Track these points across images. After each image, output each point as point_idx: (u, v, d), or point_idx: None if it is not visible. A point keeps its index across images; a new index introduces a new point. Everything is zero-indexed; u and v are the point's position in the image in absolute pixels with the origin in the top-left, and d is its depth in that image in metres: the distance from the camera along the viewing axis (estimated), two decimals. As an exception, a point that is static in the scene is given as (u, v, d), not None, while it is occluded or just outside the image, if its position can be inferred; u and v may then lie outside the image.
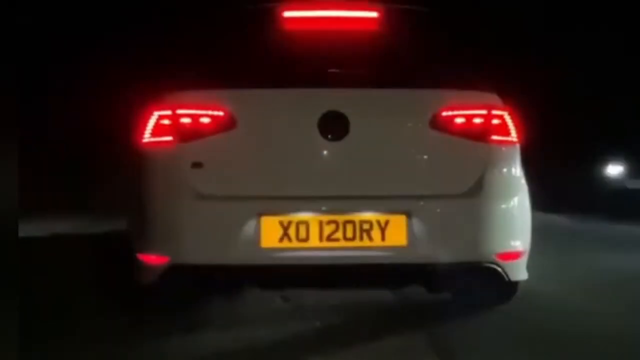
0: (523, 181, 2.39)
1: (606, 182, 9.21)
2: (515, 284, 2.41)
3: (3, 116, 1.69)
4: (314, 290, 3.04)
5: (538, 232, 2.44)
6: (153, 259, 2.18)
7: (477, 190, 2.20)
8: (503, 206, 2.27)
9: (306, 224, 2.12)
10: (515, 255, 2.30)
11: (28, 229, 4.90)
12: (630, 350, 2.32)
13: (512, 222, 2.31)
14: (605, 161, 9.38)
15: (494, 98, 2.31)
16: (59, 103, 9.42)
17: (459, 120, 2.22)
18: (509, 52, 10.11)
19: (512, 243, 2.29)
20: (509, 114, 2.27)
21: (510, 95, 2.41)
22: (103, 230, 5.54)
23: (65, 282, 3.36)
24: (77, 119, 8.97)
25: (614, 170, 9.35)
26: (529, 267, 2.44)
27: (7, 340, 1.58)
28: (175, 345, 2.31)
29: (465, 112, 2.23)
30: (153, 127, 2.16)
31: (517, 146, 2.33)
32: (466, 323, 2.61)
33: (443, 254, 2.17)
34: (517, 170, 2.35)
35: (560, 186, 8.16)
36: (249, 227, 2.10)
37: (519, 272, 2.34)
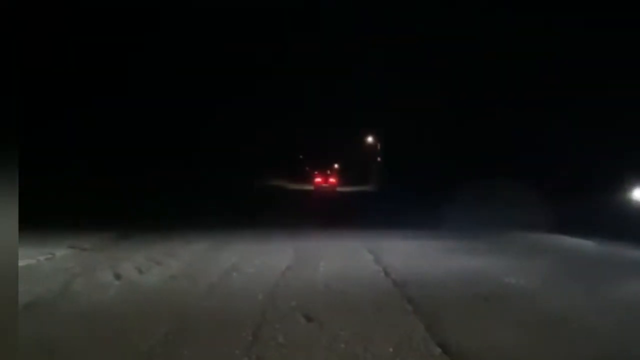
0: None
1: (632, 206, 9.03)
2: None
3: (5, 126, 1.80)
4: (335, 313, 3.10)
5: (567, 258, 2.42)
6: (315, 185, 33.53)
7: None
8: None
9: None
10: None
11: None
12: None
13: None
14: (631, 185, 9.22)
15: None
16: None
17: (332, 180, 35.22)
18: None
19: None
20: (334, 179, 35.48)
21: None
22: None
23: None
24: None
25: (640, 194, 9.17)
26: (560, 294, 2.41)
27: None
28: None
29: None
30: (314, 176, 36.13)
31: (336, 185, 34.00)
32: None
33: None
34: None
35: (587, 211, 8.02)
36: None
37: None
